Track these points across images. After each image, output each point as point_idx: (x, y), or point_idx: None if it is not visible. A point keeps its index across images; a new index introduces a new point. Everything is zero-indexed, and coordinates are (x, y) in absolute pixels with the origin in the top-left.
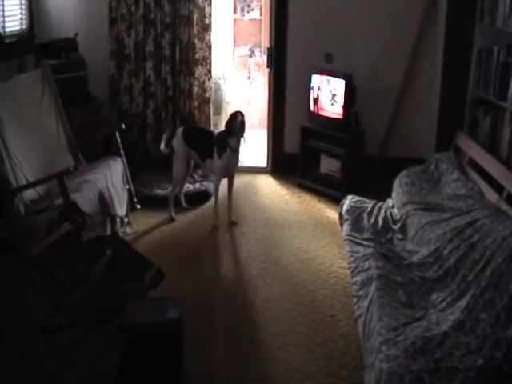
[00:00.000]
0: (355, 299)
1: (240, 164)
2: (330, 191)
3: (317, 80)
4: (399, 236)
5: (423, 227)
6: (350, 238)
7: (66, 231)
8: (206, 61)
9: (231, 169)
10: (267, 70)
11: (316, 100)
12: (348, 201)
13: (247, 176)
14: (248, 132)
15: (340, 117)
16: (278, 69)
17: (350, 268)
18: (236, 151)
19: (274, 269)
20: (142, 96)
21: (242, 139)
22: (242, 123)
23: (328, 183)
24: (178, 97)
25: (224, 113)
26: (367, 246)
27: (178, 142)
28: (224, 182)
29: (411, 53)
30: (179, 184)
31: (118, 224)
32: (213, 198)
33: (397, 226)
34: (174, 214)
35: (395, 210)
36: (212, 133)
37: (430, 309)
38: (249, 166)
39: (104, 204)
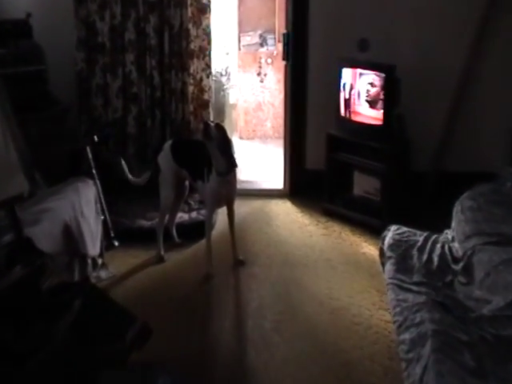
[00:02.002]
0: (404, 364)
1: (248, 186)
2: (366, 219)
3: (348, 75)
4: (462, 279)
5: (496, 267)
6: (395, 281)
7: (18, 277)
8: (204, 52)
9: (224, 197)
10: (283, 62)
11: (347, 101)
12: (391, 232)
13: (258, 201)
14: (258, 144)
15: (379, 122)
16: (298, 61)
17: (395, 322)
18: (224, 176)
19: (295, 322)
20: (121, 98)
21: (231, 161)
22: (223, 136)
23: (364, 209)
24: (168, 99)
25: (228, 119)
26: (418, 293)
27: (165, 158)
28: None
29: (474, 38)
30: (169, 213)
31: (90, 266)
32: (213, 232)
33: (459, 266)
34: (163, 252)
35: (456, 245)
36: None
37: (510, 381)
38: (260, 188)
39: (70, 240)
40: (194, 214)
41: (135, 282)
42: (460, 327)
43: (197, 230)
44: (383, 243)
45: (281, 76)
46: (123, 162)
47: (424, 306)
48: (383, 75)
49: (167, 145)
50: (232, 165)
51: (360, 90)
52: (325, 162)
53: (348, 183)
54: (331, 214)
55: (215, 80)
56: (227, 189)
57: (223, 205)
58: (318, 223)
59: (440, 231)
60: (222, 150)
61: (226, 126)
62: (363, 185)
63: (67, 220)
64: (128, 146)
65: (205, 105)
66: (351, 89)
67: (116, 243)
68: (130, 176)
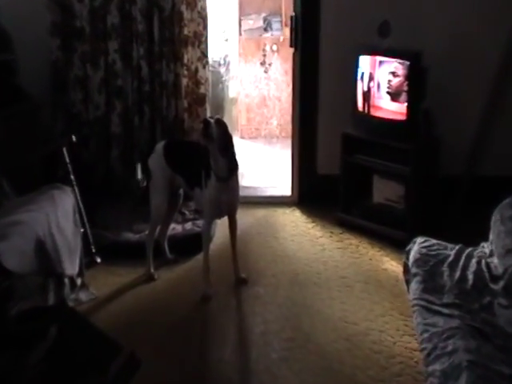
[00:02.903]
0: None
1: (251, 193)
2: (388, 231)
3: (367, 63)
4: (503, 301)
5: None
6: (423, 302)
7: None
8: (200, 39)
9: (225, 206)
10: (291, 50)
11: (366, 94)
12: (417, 245)
13: (263, 210)
14: (262, 145)
15: (403, 117)
16: (308, 48)
17: (422, 350)
18: (224, 181)
19: (305, 350)
20: (104, 93)
21: (233, 163)
22: (224, 133)
23: (385, 219)
24: (159, 94)
25: (227, 115)
26: (450, 316)
27: (157, 162)
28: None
29: None
30: (161, 224)
31: (68, 287)
32: (212, 246)
33: (499, 286)
34: (153, 270)
35: (495, 260)
36: (204, 150)
37: None
38: (265, 195)
39: (45, 258)
40: (189, 226)
41: (121, 304)
42: (501, 358)
43: (192, 244)
44: (408, 258)
45: (288, 66)
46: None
47: (457, 331)
48: (407, 63)
49: (159, 146)
50: (234, 167)
51: (380, 81)
52: (339, 166)
53: (366, 189)
54: (347, 225)
55: (212, 71)
56: (228, 196)
57: (223, 215)
58: (332, 235)
59: (475, 244)
60: (223, 150)
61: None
62: (384, 191)
63: (40, 234)
64: (112, 148)
65: (201, 100)
66: (370, 79)
67: (98, 260)
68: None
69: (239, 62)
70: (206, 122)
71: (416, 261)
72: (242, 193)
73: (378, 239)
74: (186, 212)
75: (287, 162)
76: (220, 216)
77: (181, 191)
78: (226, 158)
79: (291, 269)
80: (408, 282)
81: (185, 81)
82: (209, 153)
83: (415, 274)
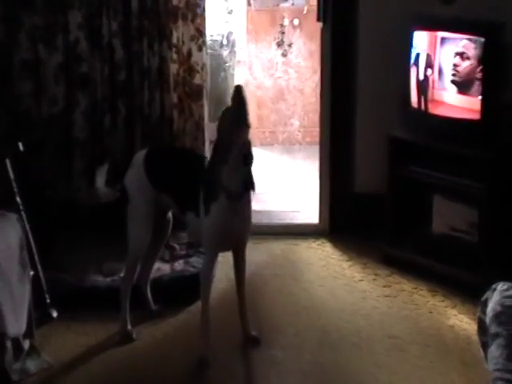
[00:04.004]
0: None
1: (265, 220)
2: (455, 272)
3: (424, 41)
4: None
5: None
6: (507, 375)
7: None
8: (194, 10)
9: (233, 235)
10: (318, 25)
11: (422, 83)
12: (498, 294)
13: (281, 243)
14: (279, 154)
15: (475, 116)
16: (342, 22)
17: None
18: (237, 200)
19: None
20: (63, 83)
21: (251, 175)
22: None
23: (451, 256)
24: (138, 85)
25: None
26: None
27: (135, 178)
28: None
29: None
30: (142, 263)
31: (10, 354)
32: (212, 292)
33: None
34: (130, 327)
35: None
36: (201, 160)
37: None
38: (284, 222)
39: None
40: (179, 265)
41: (85, 376)
42: None
43: (185, 291)
44: (484, 312)
45: (315, 46)
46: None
47: None
48: (481, 40)
49: (138, 158)
50: (251, 181)
51: (443, 66)
52: (385, 182)
53: (424, 214)
54: (397, 264)
55: (212, 54)
56: (239, 221)
57: (229, 248)
58: (376, 278)
59: None
60: (248, 152)
61: None
62: (449, 217)
63: None
64: (74, 158)
65: (196, 93)
66: (428, 64)
67: (54, 314)
68: (99, 181)
69: (248, 42)
70: (241, 94)
71: (497, 316)
72: (252, 219)
73: (440, 284)
74: (176, 246)
75: (313, 178)
76: (224, 249)
77: (169, 217)
78: (247, 168)
79: (320, 325)
80: (485, 346)
81: (174, 67)
82: (217, 158)
83: (496, 335)
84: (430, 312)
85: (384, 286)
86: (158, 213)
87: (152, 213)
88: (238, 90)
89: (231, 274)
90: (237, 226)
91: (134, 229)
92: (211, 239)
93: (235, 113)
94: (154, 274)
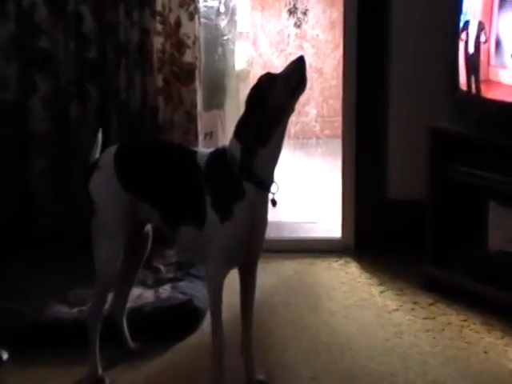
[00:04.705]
0: None
1: (276, 233)
2: None
3: (476, 5)
4: None
5: None
6: None
7: None
8: None
9: (253, 243)
10: None
11: (473, 60)
12: None
13: (294, 262)
14: (291, 150)
15: None
16: None
17: None
18: (268, 189)
19: None
20: (16, 62)
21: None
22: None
23: (511, 279)
24: (114, 63)
25: (232, 100)
26: None
27: (104, 182)
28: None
29: None
30: (116, 288)
31: None
32: (207, 326)
33: None
34: (101, 370)
35: None
36: (193, 156)
37: None
38: (298, 237)
39: None
40: (165, 291)
41: None
42: None
43: (172, 323)
44: None
45: (336, 14)
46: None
47: None
48: None
49: (108, 155)
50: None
51: (501, 37)
52: (426, 186)
53: (476, 227)
54: (442, 290)
55: (206, 25)
56: (259, 222)
57: (240, 262)
58: (415, 307)
59: None
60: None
61: (228, 115)
62: (508, 229)
63: None
64: (31, 158)
65: (186, 74)
66: (480, 34)
67: (4, 356)
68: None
69: (252, 9)
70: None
71: None
72: None
73: (498, 316)
74: (161, 267)
75: (334, 180)
76: (237, 262)
77: (148, 230)
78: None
79: (344, 367)
80: None
81: (158, 41)
82: (254, 139)
83: None
84: (485, 352)
85: (425, 318)
86: (135, 227)
87: (126, 226)
88: (301, 58)
89: (230, 298)
90: (257, 228)
91: (103, 247)
92: (230, 249)
93: (299, 75)
94: (132, 302)
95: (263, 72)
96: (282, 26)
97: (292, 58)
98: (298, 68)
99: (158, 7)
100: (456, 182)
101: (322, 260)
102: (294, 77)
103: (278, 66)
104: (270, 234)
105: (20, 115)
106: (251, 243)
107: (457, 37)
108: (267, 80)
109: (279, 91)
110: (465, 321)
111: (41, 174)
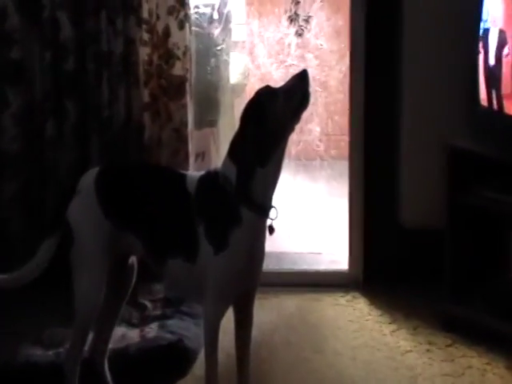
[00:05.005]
0: None
1: (274, 265)
2: None
3: (497, 11)
4: None
5: None
6: None
7: None
8: None
9: (250, 274)
10: None
11: (495, 72)
12: None
13: (295, 299)
14: (292, 174)
15: None
16: None
17: None
18: (267, 215)
19: None
20: None
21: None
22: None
23: None
24: (94, 76)
25: (226, 117)
26: None
27: (83, 208)
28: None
29: None
30: (96, 328)
31: None
32: (199, 369)
33: None
34: None
35: None
36: (181, 179)
37: None
38: (300, 269)
39: None
40: (152, 330)
41: None
42: None
43: (160, 366)
44: None
45: (342, 22)
46: None
47: None
48: None
49: (88, 179)
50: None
51: None
52: (444, 212)
53: (499, 257)
54: (461, 328)
55: (198, 33)
56: (258, 251)
57: (235, 299)
58: (431, 349)
59: None
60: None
61: (222, 134)
62: None
63: None
64: (1, 181)
65: (176, 88)
66: (503, 43)
67: None
68: None
69: (248, 17)
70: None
71: None
72: None
73: None
74: (148, 304)
75: (341, 206)
76: (234, 298)
77: (132, 263)
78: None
79: None
80: None
81: (145, 52)
82: (253, 159)
83: None
84: None
85: (443, 361)
86: (117, 258)
87: (108, 257)
88: (304, 72)
89: (223, 339)
90: (255, 258)
91: (83, 280)
92: (229, 282)
93: (301, 91)
94: (115, 343)
95: (261, 85)
96: (281, 34)
97: (293, 70)
98: (301, 83)
99: (145, 14)
100: (477, 208)
101: (327, 295)
102: (297, 93)
103: (278, 78)
104: (269, 265)
105: None
106: (248, 276)
107: (476, 47)
108: (267, 94)
109: (280, 107)
110: (488, 364)
111: (12, 199)
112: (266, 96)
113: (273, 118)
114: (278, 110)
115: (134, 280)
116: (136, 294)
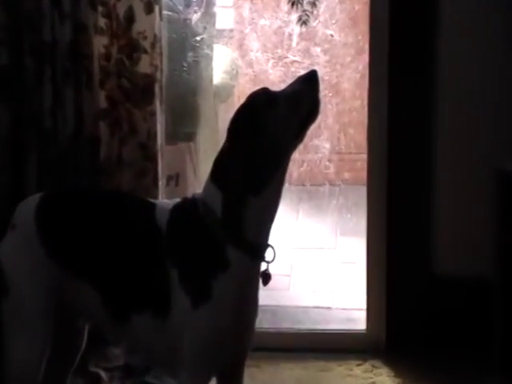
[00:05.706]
0: None
1: (273, 324)
2: None
3: None
4: None
5: None
6: None
7: None
8: None
9: (240, 336)
10: None
11: None
12: None
13: (299, 367)
14: (294, 204)
15: None
16: None
17: None
18: (262, 257)
19: None
20: None
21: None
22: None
23: None
24: (33, 74)
25: (208, 129)
26: None
27: (19, 248)
28: None
29: None
30: None
31: None
32: None
33: None
34: None
35: None
36: (149, 209)
37: None
38: (303, 330)
39: None
40: None
41: None
42: None
43: None
44: None
45: (358, 7)
46: None
47: None
48: None
49: (26, 209)
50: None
51: None
52: (492, 256)
53: None
54: None
55: (171, 19)
56: (249, 307)
57: (222, 367)
58: None
59: None
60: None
61: (202, 150)
62: None
63: None
64: None
65: (141, 91)
66: None
67: None
68: None
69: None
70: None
71: None
72: None
73: None
74: (102, 373)
75: (357, 248)
76: (219, 367)
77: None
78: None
79: None
80: None
81: (101, 43)
82: (244, 187)
83: None
84: None
85: None
86: (64, 313)
87: (52, 312)
88: (313, 73)
89: None
90: (245, 314)
91: (18, 342)
92: (211, 345)
93: (309, 98)
94: None
95: (254, 88)
96: (280, 22)
97: (295, 69)
98: (308, 88)
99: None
100: None
101: (337, 363)
102: (304, 101)
103: (275, 79)
104: (264, 323)
105: None
106: (236, 337)
107: None
108: (263, 100)
109: (280, 118)
110: None
111: None
112: (262, 102)
113: (271, 132)
114: (277, 121)
115: (84, 342)
116: (86, 360)
